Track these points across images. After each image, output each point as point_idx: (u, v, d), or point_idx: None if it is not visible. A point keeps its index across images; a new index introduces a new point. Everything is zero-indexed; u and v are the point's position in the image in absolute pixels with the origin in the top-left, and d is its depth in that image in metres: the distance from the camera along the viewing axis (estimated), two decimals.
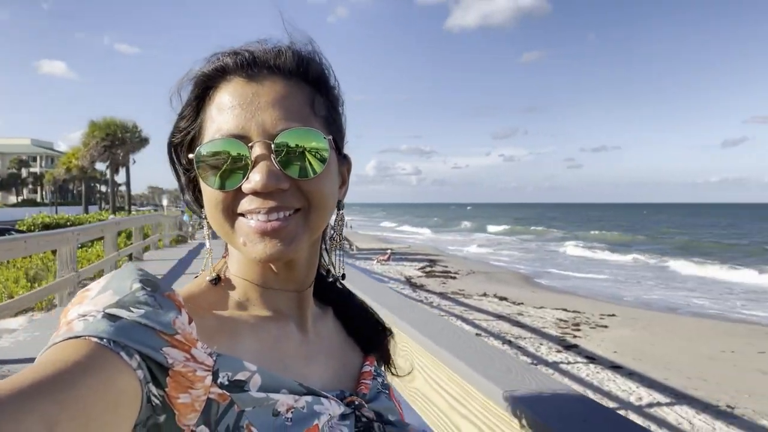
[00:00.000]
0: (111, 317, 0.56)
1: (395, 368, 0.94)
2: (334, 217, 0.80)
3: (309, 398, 0.68)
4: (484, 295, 15.91)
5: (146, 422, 0.55)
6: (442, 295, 15.40)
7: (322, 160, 0.70)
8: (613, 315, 13.54)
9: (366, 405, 0.77)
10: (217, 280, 0.77)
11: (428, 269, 23.56)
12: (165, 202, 36.60)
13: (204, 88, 0.73)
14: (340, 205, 0.80)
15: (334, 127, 0.76)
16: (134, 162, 41.41)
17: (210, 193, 0.71)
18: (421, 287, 17.15)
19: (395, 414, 0.82)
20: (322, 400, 0.69)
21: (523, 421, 1.10)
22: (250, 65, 0.71)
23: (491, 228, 65.99)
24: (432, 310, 9.58)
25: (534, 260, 30.19)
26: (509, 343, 9.92)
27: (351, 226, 59.09)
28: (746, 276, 23.82)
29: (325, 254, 0.88)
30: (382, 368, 0.91)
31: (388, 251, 29.03)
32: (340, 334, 0.89)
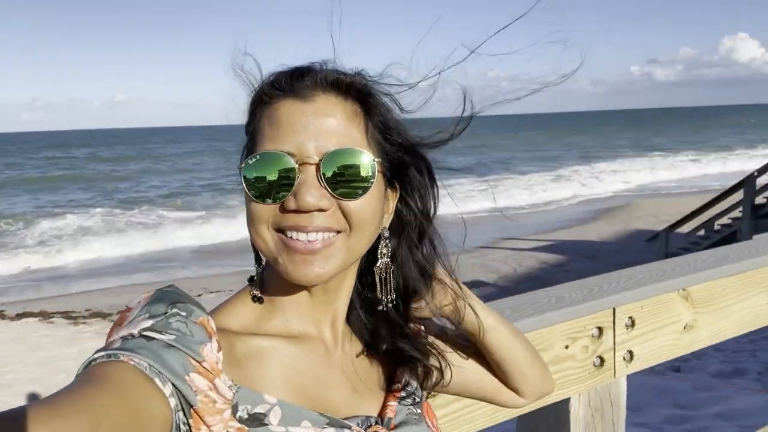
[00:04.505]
0: (146, 338, 0.59)
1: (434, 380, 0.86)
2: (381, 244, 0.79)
3: (331, 430, 0.68)
4: None
5: None
6: None
7: (367, 183, 0.71)
8: None
9: None
10: (258, 299, 0.77)
11: None
12: None
13: (259, 102, 0.74)
14: (383, 233, 0.78)
15: (387, 152, 0.76)
16: None
17: (252, 206, 0.71)
18: None
19: None
20: (345, 431, 0.70)
21: None
22: (306, 83, 0.71)
23: None
24: None
25: None
26: None
27: None
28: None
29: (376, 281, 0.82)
30: (416, 382, 0.85)
31: None
32: (370, 354, 0.84)
